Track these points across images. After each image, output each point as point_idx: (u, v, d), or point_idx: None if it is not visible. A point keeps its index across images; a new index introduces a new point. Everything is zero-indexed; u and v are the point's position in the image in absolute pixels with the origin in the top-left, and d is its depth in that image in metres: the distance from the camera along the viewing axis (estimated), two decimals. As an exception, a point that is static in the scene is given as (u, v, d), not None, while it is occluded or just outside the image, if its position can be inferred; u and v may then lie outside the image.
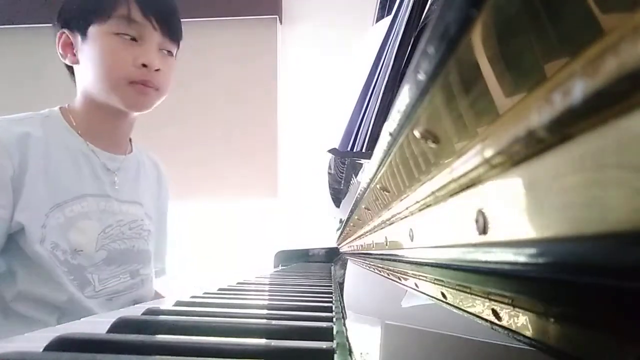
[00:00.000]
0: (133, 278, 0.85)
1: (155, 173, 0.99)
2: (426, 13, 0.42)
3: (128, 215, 0.86)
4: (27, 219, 0.72)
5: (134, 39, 0.79)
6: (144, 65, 0.79)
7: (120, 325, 0.33)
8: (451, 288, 0.20)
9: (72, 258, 0.76)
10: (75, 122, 0.83)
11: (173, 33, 0.84)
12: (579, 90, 0.08)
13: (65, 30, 0.80)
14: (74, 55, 0.81)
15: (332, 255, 1.42)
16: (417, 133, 0.18)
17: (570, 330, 0.11)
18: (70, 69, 0.85)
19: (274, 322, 0.39)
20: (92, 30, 0.79)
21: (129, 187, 0.89)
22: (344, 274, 0.81)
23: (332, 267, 1.16)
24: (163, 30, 0.82)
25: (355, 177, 0.74)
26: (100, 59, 0.78)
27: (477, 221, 0.15)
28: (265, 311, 0.45)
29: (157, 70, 0.81)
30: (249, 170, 2.02)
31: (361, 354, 0.29)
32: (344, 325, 0.37)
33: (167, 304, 0.45)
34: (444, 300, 0.21)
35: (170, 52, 0.85)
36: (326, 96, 2.00)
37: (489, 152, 0.13)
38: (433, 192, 0.20)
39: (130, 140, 0.94)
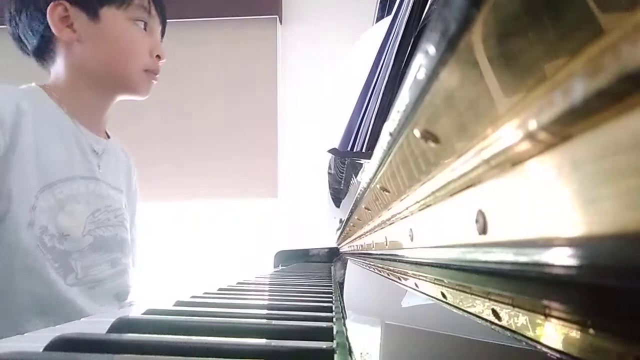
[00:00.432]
0: (114, 267, 0.82)
1: (127, 165, 0.94)
2: (426, 13, 0.42)
3: (115, 201, 0.84)
4: (14, 200, 0.68)
5: (145, 29, 0.82)
6: (157, 57, 0.83)
7: (120, 325, 0.33)
8: (451, 288, 0.20)
9: (59, 243, 0.73)
10: (60, 99, 0.79)
11: (165, 26, 0.88)
12: (579, 90, 0.08)
13: (65, 4, 0.77)
14: (73, 31, 0.77)
15: (332, 256, 1.42)
16: (417, 133, 0.18)
17: (570, 330, 0.11)
18: (47, 43, 0.80)
19: (274, 322, 0.39)
20: (107, 12, 0.78)
21: (112, 173, 0.86)
22: (344, 274, 0.81)
23: (332, 267, 1.16)
24: (163, 23, 0.86)
25: (355, 177, 0.74)
26: (121, 44, 0.79)
27: (477, 221, 0.15)
28: (265, 311, 0.45)
29: (162, 61, 0.85)
30: (249, 170, 2.02)
31: (361, 354, 0.29)
32: (344, 325, 0.37)
33: (167, 304, 0.45)
34: (444, 300, 0.21)
35: None
36: (326, 96, 2.00)
37: (489, 152, 0.13)
38: (433, 192, 0.20)
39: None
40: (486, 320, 0.16)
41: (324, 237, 1.45)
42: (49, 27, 0.77)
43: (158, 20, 0.84)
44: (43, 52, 0.81)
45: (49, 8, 0.76)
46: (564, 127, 0.09)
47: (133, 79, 0.82)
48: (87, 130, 0.82)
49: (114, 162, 0.88)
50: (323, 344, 0.29)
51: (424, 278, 0.25)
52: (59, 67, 0.81)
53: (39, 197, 0.71)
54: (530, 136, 0.10)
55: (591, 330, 0.10)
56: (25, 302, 0.70)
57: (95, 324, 0.40)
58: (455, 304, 0.19)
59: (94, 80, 0.81)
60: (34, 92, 0.77)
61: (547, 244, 0.11)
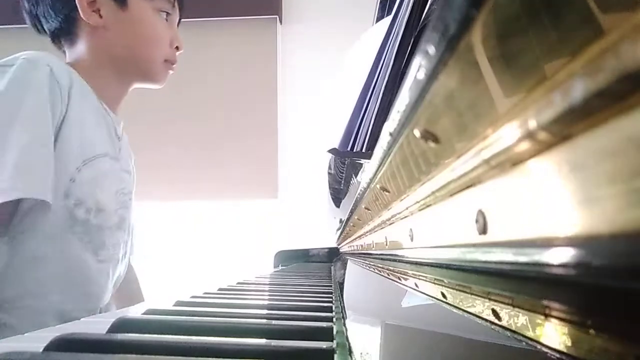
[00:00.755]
0: (124, 248, 0.85)
1: (129, 153, 0.96)
2: (426, 13, 0.42)
3: (128, 184, 0.87)
4: (57, 169, 0.69)
5: (167, 20, 0.85)
6: (176, 48, 0.86)
7: (120, 325, 0.33)
8: (451, 288, 0.20)
9: (95, 217, 0.74)
10: (87, 81, 0.80)
11: (181, 17, 0.90)
12: (579, 90, 0.08)
13: None
14: (100, 17, 0.79)
15: (332, 256, 1.42)
16: (417, 133, 0.18)
17: (570, 330, 0.11)
18: (70, 27, 0.81)
19: (274, 322, 0.39)
20: (135, 1, 0.81)
21: (126, 157, 0.89)
22: (344, 274, 0.81)
23: (332, 267, 1.16)
24: (181, 14, 0.89)
25: (355, 177, 0.74)
26: (147, 33, 0.82)
27: (477, 221, 0.15)
28: (265, 311, 0.45)
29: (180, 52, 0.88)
30: (249, 170, 2.01)
31: (361, 354, 0.29)
32: (344, 325, 0.37)
33: (167, 304, 0.45)
34: (444, 300, 0.21)
35: None
36: (326, 96, 2.00)
37: (489, 152, 0.13)
38: (433, 192, 0.20)
39: None
40: (486, 320, 0.16)
41: (324, 237, 1.45)
42: (74, 9, 0.78)
43: (178, 13, 0.87)
44: (63, 32, 0.83)
45: None
46: (564, 127, 0.09)
47: (154, 67, 0.85)
48: (111, 112, 0.84)
49: (126, 146, 0.91)
50: (323, 344, 0.29)
51: (424, 278, 0.25)
52: (80, 49, 0.82)
53: (82, 169, 0.73)
54: (530, 136, 0.10)
55: (591, 330, 0.10)
56: (50, 274, 0.71)
57: (95, 324, 0.40)
58: (455, 304, 0.19)
59: (116, 65, 0.83)
60: (70, 69, 0.78)
61: (547, 244, 0.11)
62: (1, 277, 0.69)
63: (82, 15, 0.78)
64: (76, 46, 0.82)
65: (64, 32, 0.82)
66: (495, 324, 0.15)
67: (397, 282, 0.34)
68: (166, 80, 0.88)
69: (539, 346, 0.12)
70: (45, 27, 0.83)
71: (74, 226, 0.72)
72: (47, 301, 0.70)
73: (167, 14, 0.84)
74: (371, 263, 0.53)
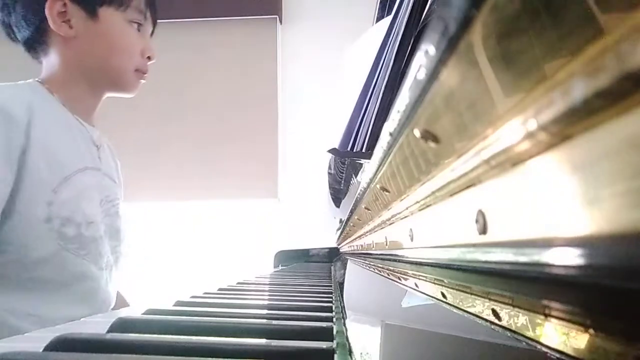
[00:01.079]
0: (113, 254, 0.86)
1: (113, 159, 0.96)
2: (426, 13, 0.42)
3: (112, 192, 0.87)
4: (28, 198, 0.69)
5: (139, 31, 0.85)
6: (148, 57, 0.86)
7: (120, 325, 0.33)
8: (451, 288, 0.20)
9: (86, 230, 0.75)
10: (57, 93, 0.81)
11: (155, 27, 0.91)
12: (579, 90, 0.08)
13: (66, 0, 0.79)
14: (70, 27, 0.79)
15: (332, 256, 1.42)
16: (417, 133, 0.18)
17: (570, 330, 0.11)
18: (41, 36, 0.81)
19: (274, 322, 0.39)
20: (106, 12, 0.81)
21: (108, 165, 0.89)
22: (344, 273, 0.81)
23: (332, 267, 1.16)
24: (154, 24, 0.89)
25: (355, 177, 0.74)
26: (117, 44, 0.83)
27: (477, 221, 0.15)
28: (265, 311, 0.45)
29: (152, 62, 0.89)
30: (249, 170, 2.01)
31: (361, 354, 0.29)
32: (344, 325, 0.37)
33: (167, 304, 0.45)
34: (444, 300, 0.21)
35: None
36: (326, 96, 2.00)
37: (489, 152, 0.13)
38: (433, 192, 0.20)
39: None
40: (486, 320, 0.16)
41: (324, 237, 1.45)
42: (44, 19, 0.78)
43: (150, 22, 0.88)
44: (35, 42, 0.83)
45: (48, 2, 0.78)
46: (564, 127, 0.09)
47: (125, 77, 0.85)
48: (85, 122, 0.84)
49: (108, 154, 0.91)
50: (323, 344, 0.29)
51: (424, 278, 0.25)
52: (53, 60, 0.82)
53: (58, 190, 0.73)
54: (530, 136, 0.10)
55: (591, 330, 0.10)
56: (56, 291, 0.73)
57: (95, 324, 0.40)
58: (455, 304, 0.19)
59: (87, 76, 0.83)
60: (36, 88, 0.79)
61: (547, 244, 0.11)
62: (9, 291, 0.71)
63: (51, 26, 0.78)
64: (49, 56, 0.83)
65: (37, 42, 0.82)
66: (495, 324, 0.15)
67: (397, 282, 0.34)
68: (137, 89, 0.88)
69: (539, 346, 0.12)
70: (18, 37, 0.83)
71: (67, 244, 0.73)
72: (61, 313, 0.72)
73: (139, 24, 0.84)
74: (371, 263, 0.53)
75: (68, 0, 0.78)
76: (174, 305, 0.45)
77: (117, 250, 0.87)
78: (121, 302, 0.95)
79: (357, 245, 0.72)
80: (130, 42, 0.84)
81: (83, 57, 0.81)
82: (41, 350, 0.27)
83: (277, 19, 2.10)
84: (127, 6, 0.82)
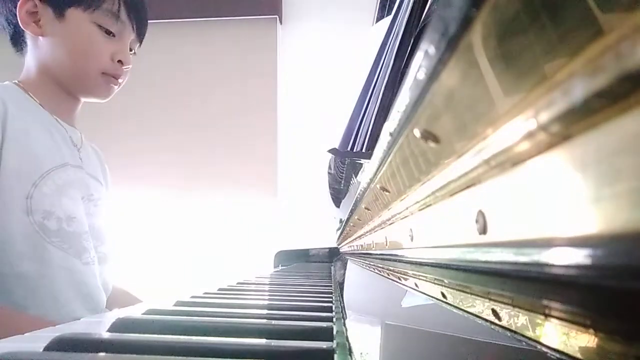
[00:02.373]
0: (97, 253, 0.86)
1: (99, 160, 0.97)
2: (426, 13, 0.42)
3: (96, 191, 0.88)
4: (6, 194, 0.70)
5: (112, 34, 0.83)
6: (119, 62, 0.84)
7: (120, 325, 0.33)
8: (451, 288, 0.20)
9: (68, 225, 0.76)
10: (34, 94, 0.81)
11: (143, 36, 0.90)
12: (579, 90, 0.08)
13: (36, 0, 0.80)
14: (39, 27, 0.80)
15: (332, 256, 1.42)
16: (417, 133, 0.18)
17: (570, 330, 0.11)
18: (19, 35, 0.83)
19: (274, 322, 0.39)
20: (73, 13, 0.80)
21: (91, 164, 0.90)
22: (344, 274, 0.81)
23: (332, 267, 1.16)
24: (138, 32, 0.88)
25: (355, 177, 0.74)
26: (80, 46, 0.81)
27: (477, 221, 0.15)
28: (265, 311, 0.45)
29: (126, 67, 0.86)
30: (249, 170, 2.02)
31: (361, 354, 0.29)
32: (344, 325, 0.37)
33: (167, 304, 0.45)
34: (444, 300, 0.21)
35: (134, 52, 0.90)
36: (326, 96, 2.00)
37: (489, 152, 0.13)
38: (433, 192, 0.20)
39: None
40: (486, 320, 0.16)
41: (324, 237, 1.45)
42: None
43: (130, 27, 0.86)
44: (15, 42, 0.85)
45: (19, 2, 0.79)
46: (564, 127, 0.09)
47: (89, 81, 0.84)
48: (64, 122, 0.85)
49: (90, 155, 0.92)
50: (323, 344, 0.29)
51: (424, 278, 0.25)
52: (29, 60, 0.84)
53: (39, 184, 0.73)
54: (530, 136, 0.10)
55: (591, 330, 0.10)
56: (39, 285, 0.73)
57: (95, 324, 0.40)
58: (455, 304, 0.19)
59: (56, 77, 0.83)
60: (11, 89, 0.80)
61: (547, 244, 0.11)
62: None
63: (21, 25, 0.79)
64: (27, 57, 0.84)
65: (16, 41, 0.84)
66: (495, 324, 0.15)
67: (397, 282, 0.34)
68: (110, 94, 0.87)
69: (539, 346, 0.12)
70: (8, 36, 0.85)
71: (50, 237, 0.74)
72: (46, 308, 0.72)
73: (108, 28, 0.83)
74: (371, 263, 0.53)
75: (38, 0, 0.79)
76: (174, 305, 0.45)
77: (99, 251, 0.87)
78: (132, 299, 0.96)
79: (357, 245, 0.72)
80: (94, 44, 0.82)
81: (50, 58, 0.82)
82: (41, 350, 0.27)
83: (277, 19, 2.10)
84: (95, 8, 0.81)
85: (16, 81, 0.83)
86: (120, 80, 0.87)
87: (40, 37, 0.81)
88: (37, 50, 0.82)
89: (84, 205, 0.82)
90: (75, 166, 0.82)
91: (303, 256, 1.43)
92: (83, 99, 0.88)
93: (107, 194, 0.96)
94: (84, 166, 0.85)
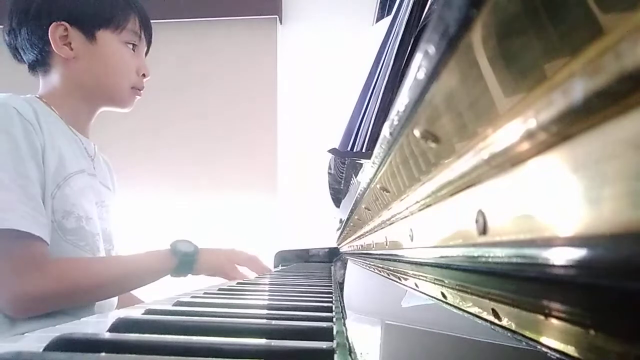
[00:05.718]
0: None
1: (109, 171, 1.04)
2: (426, 13, 0.42)
3: (107, 198, 0.94)
4: (44, 194, 0.77)
5: (133, 50, 0.92)
6: (143, 75, 0.94)
7: (120, 325, 0.33)
8: (451, 288, 0.20)
9: (86, 224, 0.82)
10: (54, 107, 0.88)
11: (150, 44, 0.98)
12: (579, 90, 0.08)
13: (65, 24, 0.85)
14: (71, 49, 0.86)
15: (332, 255, 1.42)
16: (417, 133, 0.18)
17: (570, 330, 0.11)
18: (44, 58, 0.88)
19: (273, 322, 0.39)
20: (103, 35, 0.88)
21: (103, 173, 0.96)
22: (344, 274, 0.81)
23: (332, 267, 1.16)
24: (148, 43, 0.97)
25: (355, 177, 0.74)
26: (114, 65, 0.90)
27: (477, 221, 0.15)
28: (265, 311, 0.45)
29: (147, 79, 0.96)
30: (249, 170, 2.01)
31: (361, 354, 0.29)
32: (344, 325, 0.37)
33: (167, 304, 0.45)
34: (444, 300, 0.21)
35: None
36: (326, 96, 2.00)
37: (489, 152, 0.13)
38: (433, 192, 0.20)
39: None
40: (486, 320, 0.16)
41: (324, 237, 1.45)
42: (48, 43, 0.85)
43: (145, 42, 0.95)
44: (39, 64, 0.90)
45: (51, 27, 0.85)
46: (564, 127, 0.09)
47: (121, 94, 0.93)
48: (80, 134, 0.92)
49: (102, 165, 0.99)
50: (323, 344, 0.29)
51: (424, 278, 0.25)
52: (54, 79, 0.89)
53: (62, 185, 0.80)
54: (530, 136, 0.10)
55: (591, 330, 0.10)
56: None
57: (95, 324, 0.40)
58: (455, 304, 0.19)
59: (86, 93, 0.91)
60: (35, 101, 0.86)
61: (546, 244, 0.11)
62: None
63: (54, 49, 0.85)
64: (49, 76, 0.90)
65: (40, 63, 0.90)
66: (495, 324, 0.15)
67: (397, 282, 0.34)
68: (132, 104, 0.96)
69: (539, 346, 0.12)
70: (24, 58, 0.91)
71: (66, 235, 0.80)
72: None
73: (134, 45, 0.92)
74: (371, 263, 0.53)
75: (69, 25, 0.86)
76: (174, 305, 0.45)
77: (109, 253, 0.93)
78: (132, 299, 1.01)
79: (357, 245, 0.72)
80: (126, 62, 0.91)
81: (82, 76, 0.89)
82: (41, 350, 0.27)
83: (277, 19, 2.10)
84: (122, 29, 0.89)
85: (37, 95, 0.89)
86: (141, 92, 0.96)
87: (72, 59, 0.87)
88: (66, 71, 0.88)
89: (97, 210, 0.88)
90: (90, 174, 0.89)
91: (303, 256, 1.43)
92: (106, 109, 0.95)
93: (115, 201, 1.02)
94: (97, 174, 0.93)
